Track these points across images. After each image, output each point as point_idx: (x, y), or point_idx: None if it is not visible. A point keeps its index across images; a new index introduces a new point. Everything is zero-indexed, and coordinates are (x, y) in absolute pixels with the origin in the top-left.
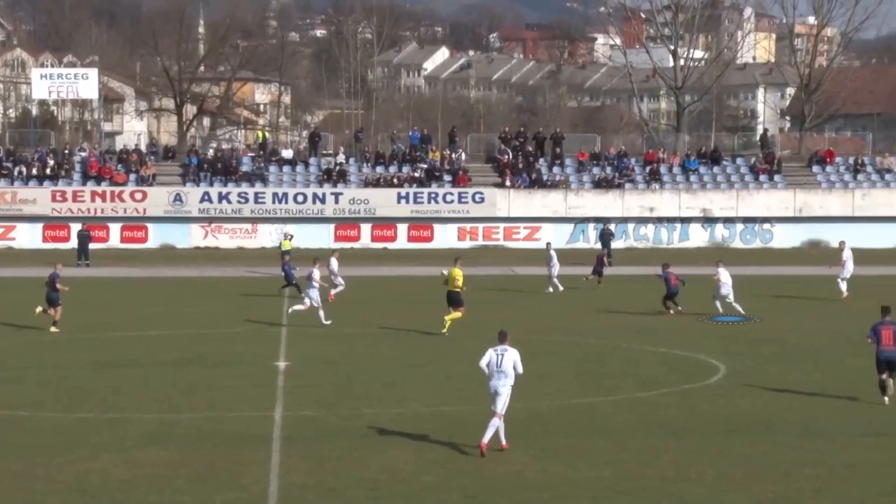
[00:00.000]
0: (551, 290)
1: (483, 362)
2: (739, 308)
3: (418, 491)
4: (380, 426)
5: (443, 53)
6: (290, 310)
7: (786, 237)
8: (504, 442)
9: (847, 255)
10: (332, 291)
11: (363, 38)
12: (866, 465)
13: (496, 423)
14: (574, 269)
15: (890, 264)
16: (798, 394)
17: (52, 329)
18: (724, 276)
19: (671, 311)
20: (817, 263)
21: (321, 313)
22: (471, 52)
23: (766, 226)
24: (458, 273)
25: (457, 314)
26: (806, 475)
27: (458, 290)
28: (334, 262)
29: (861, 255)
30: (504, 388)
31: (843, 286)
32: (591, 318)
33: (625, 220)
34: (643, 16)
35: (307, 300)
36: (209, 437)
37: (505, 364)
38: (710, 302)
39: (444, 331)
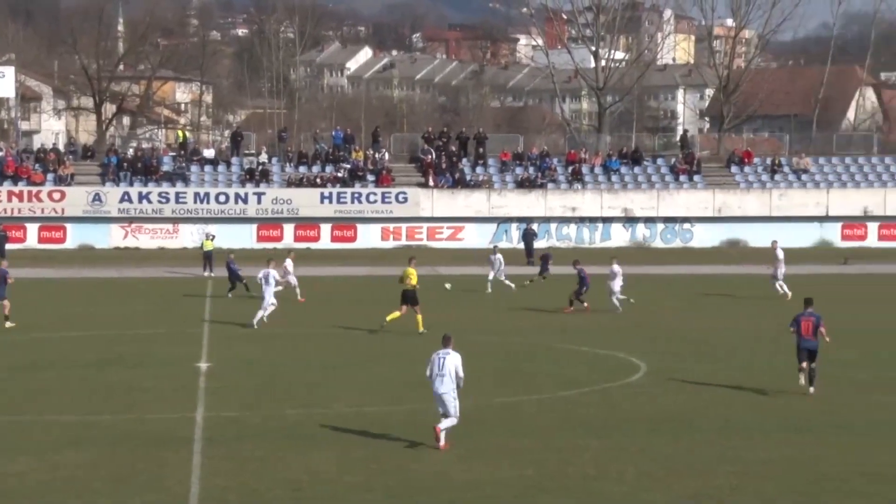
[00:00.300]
0: (506, 287)
1: (427, 370)
2: (617, 303)
3: (342, 491)
4: (302, 427)
5: (366, 53)
6: (255, 321)
7: (705, 237)
8: (443, 442)
9: (780, 254)
10: (298, 293)
11: (285, 38)
12: (782, 461)
13: (447, 423)
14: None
15: (806, 263)
16: (717, 391)
17: (8, 325)
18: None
19: (572, 307)
20: (737, 263)
21: (262, 314)
22: (394, 52)
23: (686, 225)
24: (413, 272)
25: (413, 312)
26: (724, 472)
27: (413, 288)
28: (290, 263)
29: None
30: (447, 394)
31: (784, 287)
32: (515, 318)
33: (547, 219)
34: (565, 17)
35: (267, 302)
36: (129, 438)
37: (447, 367)
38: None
39: (422, 329)
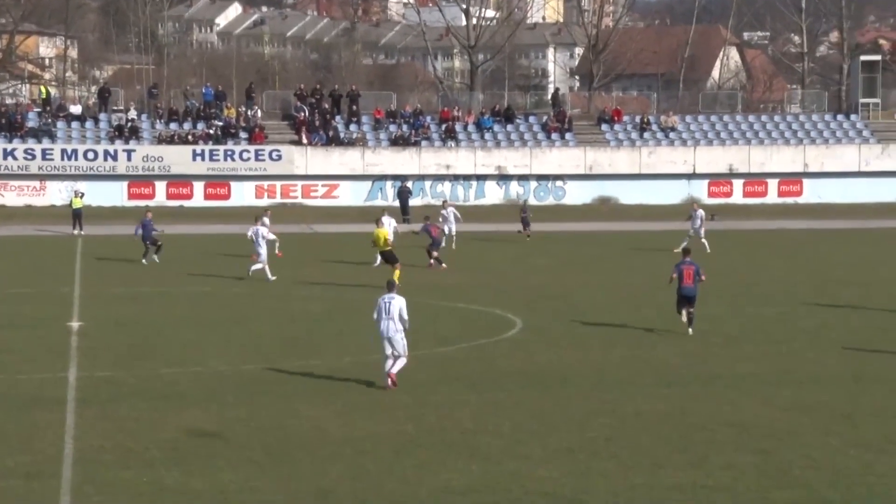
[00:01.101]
0: (455, 247)
1: (374, 314)
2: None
3: (220, 449)
4: (179, 386)
5: (235, 9)
6: (250, 270)
7: (577, 194)
8: (394, 373)
9: (700, 213)
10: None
11: None
12: (654, 413)
13: (400, 363)
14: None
15: (675, 220)
16: (592, 347)
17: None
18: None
19: (432, 262)
20: (607, 220)
21: (263, 266)
22: (264, 9)
23: (559, 183)
24: (384, 232)
25: (396, 271)
26: (599, 424)
27: (390, 248)
28: (266, 220)
29: (647, 211)
30: (396, 334)
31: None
32: (381, 277)
33: (422, 177)
34: None
35: (259, 257)
36: None
37: (392, 310)
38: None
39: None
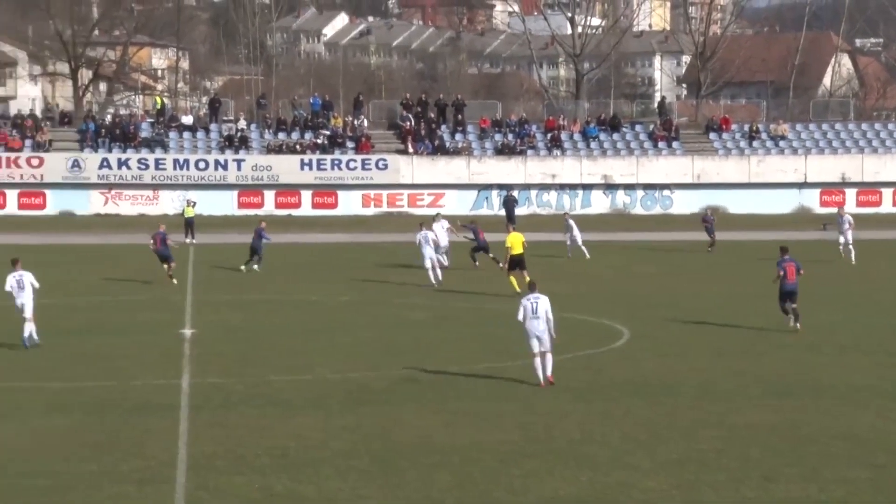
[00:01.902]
0: (582, 255)
1: (520, 314)
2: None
3: (328, 457)
4: (287, 393)
5: (342, 19)
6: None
7: (685, 203)
8: (550, 375)
9: (848, 219)
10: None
11: (261, 3)
12: (765, 425)
13: (550, 359)
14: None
15: (786, 229)
16: (700, 356)
17: (173, 281)
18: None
19: (477, 263)
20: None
21: (439, 272)
22: (370, 18)
23: (666, 192)
24: (518, 237)
25: (523, 276)
26: (708, 436)
27: (521, 253)
28: (444, 223)
29: (756, 221)
30: (544, 333)
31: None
32: (496, 284)
33: (527, 186)
34: None
35: (428, 261)
36: (115, 405)
37: (539, 309)
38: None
39: (518, 290)
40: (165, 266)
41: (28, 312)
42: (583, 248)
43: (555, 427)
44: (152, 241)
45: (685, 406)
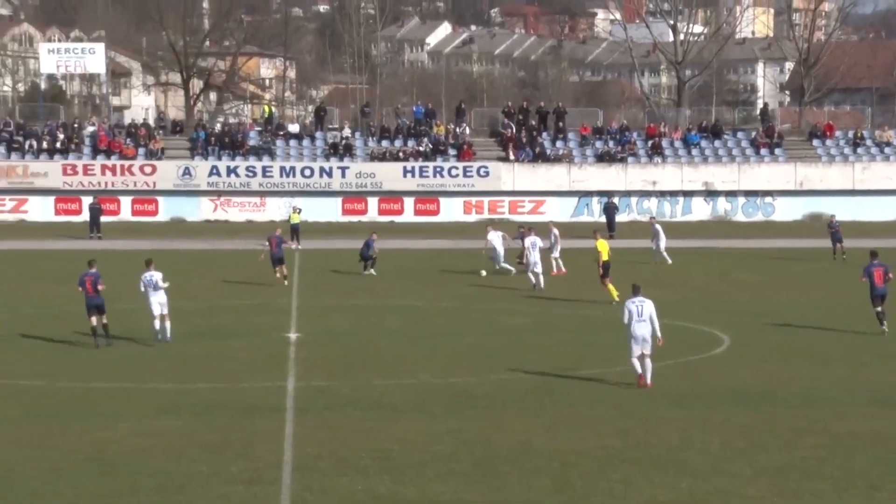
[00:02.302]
0: (663, 260)
1: (625, 317)
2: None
3: (430, 460)
4: (390, 397)
5: (445, 28)
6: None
7: (787, 210)
8: (650, 382)
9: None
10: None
11: (366, 13)
12: (869, 434)
13: (650, 364)
14: (578, 243)
15: (889, 237)
16: (801, 364)
17: (285, 283)
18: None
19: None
20: (818, 236)
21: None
22: (473, 27)
23: (768, 199)
24: (606, 244)
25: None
26: (811, 444)
27: (608, 260)
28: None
29: (861, 229)
30: (648, 336)
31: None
32: (595, 291)
33: (628, 193)
34: None
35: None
36: (223, 407)
37: (645, 312)
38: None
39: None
40: (278, 268)
41: (164, 310)
42: (664, 253)
43: (654, 433)
44: (267, 243)
45: (786, 414)
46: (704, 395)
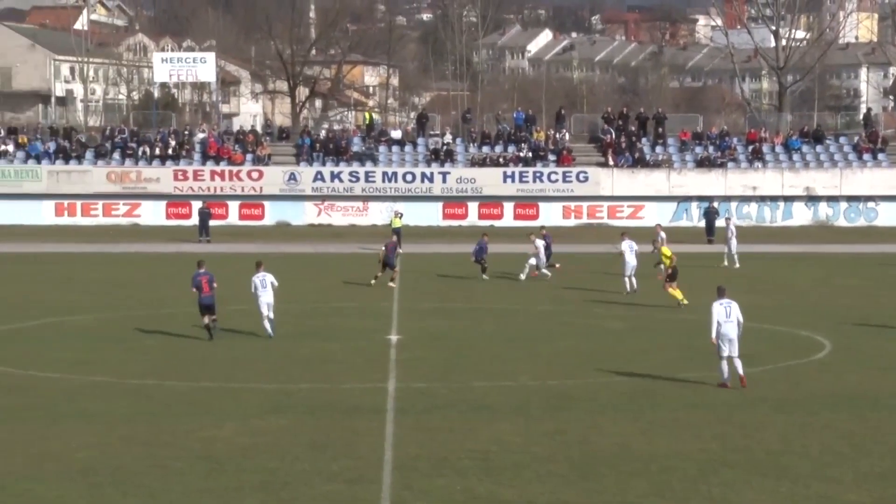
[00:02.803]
0: (726, 263)
1: (714, 318)
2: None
3: (528, 462)
4: (489, 399)
5: (546, 35)
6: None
7: (891, 215)
8: (743, 376)
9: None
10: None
11: (468, 22)
12: None
13: (738, 363)
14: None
15: None
16: None
17: (391, 284)
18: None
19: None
20: None
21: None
22: (573, 35)
23: (871, 204)
24: (668, 250)
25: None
26: None
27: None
28: (663, 235)
29: None
30: (735, 335)
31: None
32: (693, 295)
33: (727, 198)
34: None
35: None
36: (325, 407)
37: (733, 313)
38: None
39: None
40: (389, 272)
41: (268, 309)
42: (735, 255)
43: (753, 437)
44: (383, 248)
45: (890, 419)
46: (805, 400)
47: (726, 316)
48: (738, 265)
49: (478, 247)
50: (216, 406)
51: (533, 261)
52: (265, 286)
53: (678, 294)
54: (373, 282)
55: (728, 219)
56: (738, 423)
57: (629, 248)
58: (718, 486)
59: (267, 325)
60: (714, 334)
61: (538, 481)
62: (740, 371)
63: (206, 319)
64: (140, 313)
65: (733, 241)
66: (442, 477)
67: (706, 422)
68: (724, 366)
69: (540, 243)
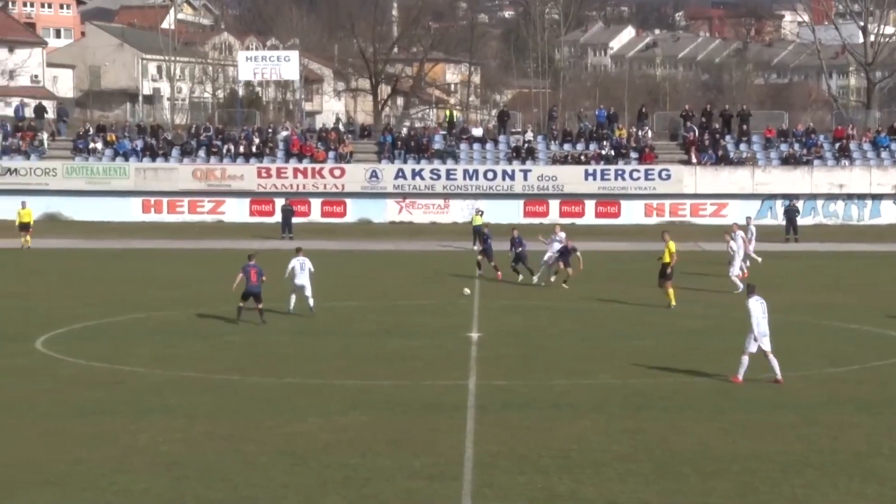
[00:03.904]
0: (753, 261)
1: (753, 318)
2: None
3: (609, 460)
4: (569, 397)
5: (629, 32)
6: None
7: None
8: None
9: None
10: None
11: (550, 19)
12: None
13: (774, 360)
14: (762, 246)
15: None
16: None
17: (498, 273)
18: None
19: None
20: None
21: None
22: (656, 31)
23: None
24: (673, 246)
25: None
26: None
27: (668, 263)
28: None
29: None
30: (769, 334)
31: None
32: (774, 295)
33: (813, 196)
34: None
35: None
36: (406, 404)
37: (766, 310)
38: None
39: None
40: (493, 263)
41: (308, 291)
42: (753, 254)
43: (838, 439)
44: (515, 247)
45: None
46: (893, 401)
47: (763, 313)
48: (738, 271)
49: (518, 246)
50: (299, 402)
51: (751, 247)
52: (303, 269)
53: (671, 294)
54: (498, 273)
55: (748, 218)
56: (822, 424)
57: (737, 244)
58: (802, 487)
59: (293, 301)
60: (756, 331)
61: (619, 480)
62: (777, 372)
63: (243, 303)
64: (224, 309)
65: (752, 243)
66: (522, 474)
67: (789, 422)
68: (746, 360)
69: (738, 239)
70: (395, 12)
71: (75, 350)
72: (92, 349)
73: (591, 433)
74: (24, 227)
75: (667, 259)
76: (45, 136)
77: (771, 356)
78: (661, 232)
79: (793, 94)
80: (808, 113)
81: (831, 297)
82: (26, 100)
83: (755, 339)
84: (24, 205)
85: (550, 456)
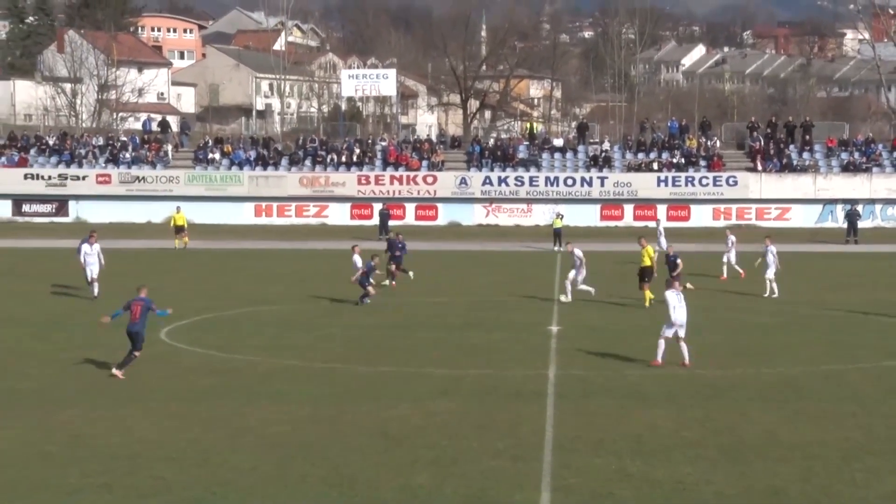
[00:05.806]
0: (737, 273)
1: (671, 305)
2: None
3: (678, 445)
4: (641, 387)
5: (699, 50)
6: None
7: None
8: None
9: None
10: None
11: (626, 38)
12: None
13: (684, 346)
14: (822, 248)
15: None
16: None
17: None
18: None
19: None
20: None
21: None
22: (725, 49)
23: None
24: (646, 250)
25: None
26: None
27: (649, 266)
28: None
29: None
30: (685, 320)
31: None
32: (836, 292)
33: (872, 201)
34: (892, 11)
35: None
36: (490, 391)
37: (682, 301)
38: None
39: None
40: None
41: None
42: (736, 266)
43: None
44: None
45: None
46: None
47: (679, 303)
48: (725, 276)
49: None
50: (393, 389)
51: (572, 273)
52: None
53: (648, 295)
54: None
55: (734, 227)
56: (880, 415)
57: (771, 253)
58: (862, 471)
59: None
60: (673, 317)
61: (688, 463)
62: (686, 354)
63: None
64: (326, 303)
65: (733, 252)
66: (598, 457)
67: (851, 412)
68: (662, 345)
69: (579, 252)
70: (483, 33)
71: (195, 340)
72: (209, 340)
73: (662, 420)
74: (179, 229)
75: (647, 263)
76: (169, 147)
77: (683, 343)
78: (638, 238)
79: (853, 107)
80: (867, 124)
81: (891, 294)
82: (153, 115)
83: (670, 326)
84: (178, 209)
85: (624, 440)
